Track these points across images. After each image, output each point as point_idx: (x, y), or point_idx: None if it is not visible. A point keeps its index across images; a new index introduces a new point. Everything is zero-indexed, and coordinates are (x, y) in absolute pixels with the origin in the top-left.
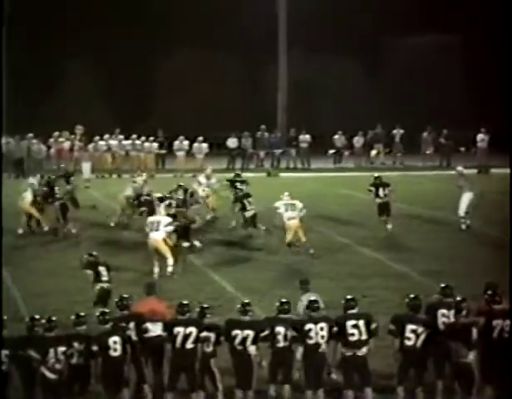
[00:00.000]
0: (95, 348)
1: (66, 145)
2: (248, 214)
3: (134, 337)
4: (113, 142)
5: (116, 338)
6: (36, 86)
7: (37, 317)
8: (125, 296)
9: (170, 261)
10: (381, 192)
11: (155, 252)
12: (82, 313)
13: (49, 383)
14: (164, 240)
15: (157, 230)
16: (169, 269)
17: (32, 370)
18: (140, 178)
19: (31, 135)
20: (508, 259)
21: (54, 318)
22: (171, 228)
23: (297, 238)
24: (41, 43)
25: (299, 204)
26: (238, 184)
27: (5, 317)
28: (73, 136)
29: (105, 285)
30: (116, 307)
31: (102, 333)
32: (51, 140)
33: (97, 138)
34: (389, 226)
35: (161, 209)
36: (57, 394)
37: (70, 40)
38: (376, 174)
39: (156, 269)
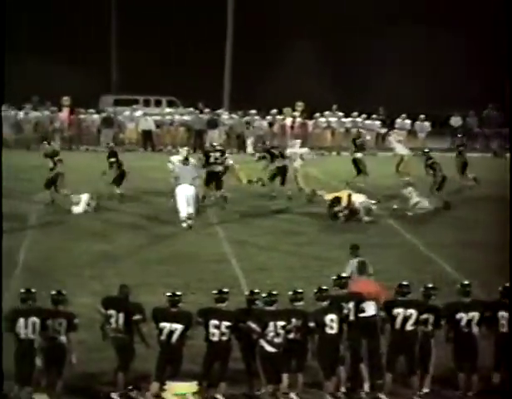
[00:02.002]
0: (312, 325)
1: (288, 121)
2: None
3: (351, 317)
4: (333, 119)
5: (333, 316)
6: (259, 63)
7: (257, 291)
8: (344, 275)
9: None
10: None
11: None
12: (300, 290)
13: (268, 356)
14: None
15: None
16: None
17: (251, 342)
18: None
19: (253, 111)
20: None
21: (275, 292)
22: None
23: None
24: (265, 21)
25: None
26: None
27: (225, 290)
28: (294, 113)
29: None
30: (335, 286)
31: (319, 310)
32: (269, 117)
33: (318, 115)
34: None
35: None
36: (275, 367)
37: (289, 18)
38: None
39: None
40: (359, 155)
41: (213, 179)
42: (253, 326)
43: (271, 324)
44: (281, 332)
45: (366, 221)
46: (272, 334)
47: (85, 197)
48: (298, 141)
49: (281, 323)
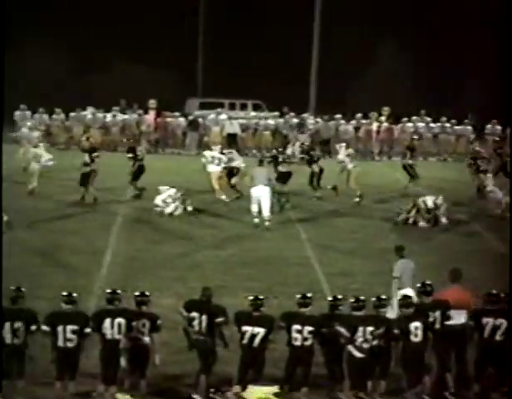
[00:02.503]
0: (396, 332)
1: (374, 126)
2: None
3: (437, 325)
4: (420, 124)
5: (418, 324)
6: (345, 66)
7: (340, 296)
8: (428, 282)
9: (219, 192)
10: None
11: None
12: (384, 296)
13: (356, 361)
14: (221, 175)
15: (217, 165)
16: (223, 197)
17: (335, 347)
18: None
19: (339, 115)
20: None
21: (362, 298)
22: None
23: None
24: (352, 23)
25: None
26: None
27: (309, 294)
28: (380, 117)
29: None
30: (420, 293)
31: (404, 318)
32: (354, 121)
33: (405, 119)
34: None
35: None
36: (362, 373)
37: (377, 20)
38: None
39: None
40: (410, 161)
41: (281, 178)
42: (343, 330)
43: (360, 329)
44: (369, 337)
45: (445, 222)
46: (360, 340)
47: (170, 191)
48: (343, 145)
49: (370, 329)
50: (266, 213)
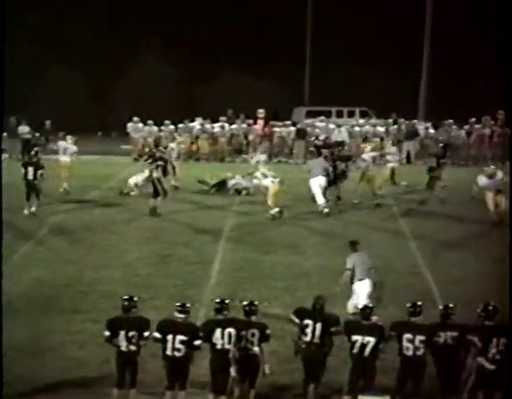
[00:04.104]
0: None
1: (487, 131)
2: None
3: None
4: None
5: None
6: (456, 72)
7: (451, 305)
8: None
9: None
10: None
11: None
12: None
13: (486, 374)
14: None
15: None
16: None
17: (446, 357)
18: None
19: (450, 121)
20: None
21: (490, 307)
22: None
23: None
24: (463, 31)
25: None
26: None
27: (419, 303)
28: (493, 122)
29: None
30: None
31: None
32: (467, 126)
33: None
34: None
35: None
36: (492, 385)
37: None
38: None
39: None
40: None
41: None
42: (475, 340)
43: (494, 340)
44: (502, 348)
45: None
46: (494, 351)
47: (263, 170)
48: (370, 146)
49: (503, 340)
50: (325, 198)
